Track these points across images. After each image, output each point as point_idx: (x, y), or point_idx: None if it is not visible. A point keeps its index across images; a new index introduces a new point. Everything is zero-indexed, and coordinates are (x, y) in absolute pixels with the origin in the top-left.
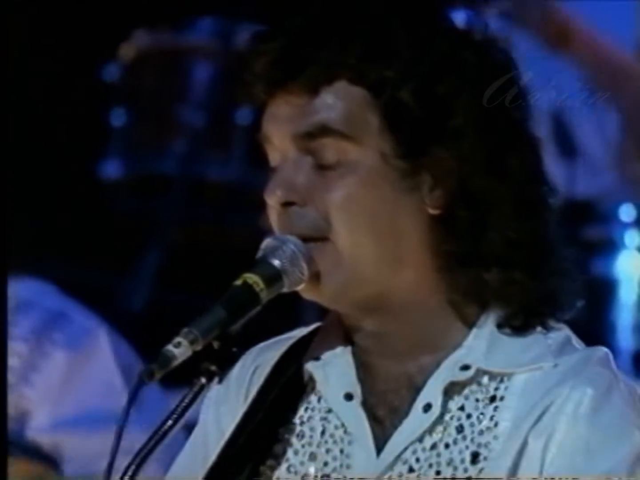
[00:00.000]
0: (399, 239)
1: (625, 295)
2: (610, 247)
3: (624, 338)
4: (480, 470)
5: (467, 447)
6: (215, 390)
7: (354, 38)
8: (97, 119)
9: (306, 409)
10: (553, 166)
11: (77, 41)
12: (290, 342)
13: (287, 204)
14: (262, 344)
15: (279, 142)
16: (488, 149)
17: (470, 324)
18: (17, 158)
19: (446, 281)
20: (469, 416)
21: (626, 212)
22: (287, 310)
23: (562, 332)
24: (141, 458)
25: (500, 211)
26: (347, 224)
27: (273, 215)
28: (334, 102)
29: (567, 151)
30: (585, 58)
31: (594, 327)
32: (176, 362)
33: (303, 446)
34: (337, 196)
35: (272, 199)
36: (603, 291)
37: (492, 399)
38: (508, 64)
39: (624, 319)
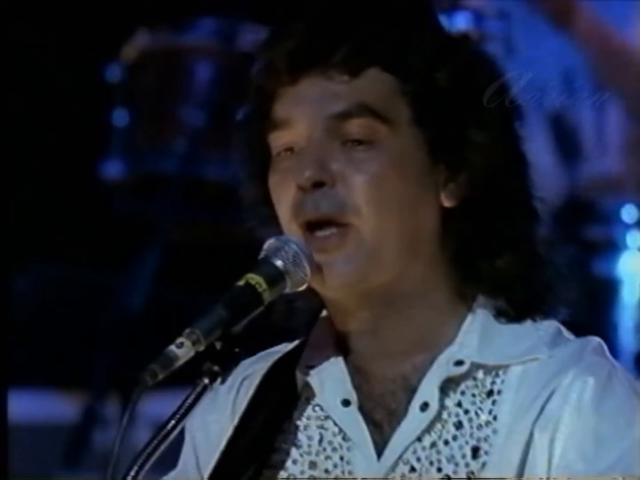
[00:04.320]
0: (418, 227)
1: (627, 296)
2: (612, 247)
3: (626, 338)
4: (483, 465)
5: (466, 443)
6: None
7: (383, 28)
8: (98, 119)
9: (301, 417)
10: (554, 166)
11: (79, 41)
12: (278, 355)
13: (317, 185)
14: (247, 359)
15: (306, 124)
16: (502, 146)
17: (463, 318)
18: (19, 157)
19: (449, 274)
20: (466, 412)
21: (628, 213)
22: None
23: (552, 325)
24: (143, 459)
25: (506, 208)
26: (376, 203)
27: (294, 199)
28: (370, 85)
29: (568, 151)
30: (587, 36)
31: (596, 328)
32: (179, 363)
33: (302, 455)
34: (368, 176)
35: (302, 180)
36: (605, 292)
37: (490, 393)
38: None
39: (625, 319)
